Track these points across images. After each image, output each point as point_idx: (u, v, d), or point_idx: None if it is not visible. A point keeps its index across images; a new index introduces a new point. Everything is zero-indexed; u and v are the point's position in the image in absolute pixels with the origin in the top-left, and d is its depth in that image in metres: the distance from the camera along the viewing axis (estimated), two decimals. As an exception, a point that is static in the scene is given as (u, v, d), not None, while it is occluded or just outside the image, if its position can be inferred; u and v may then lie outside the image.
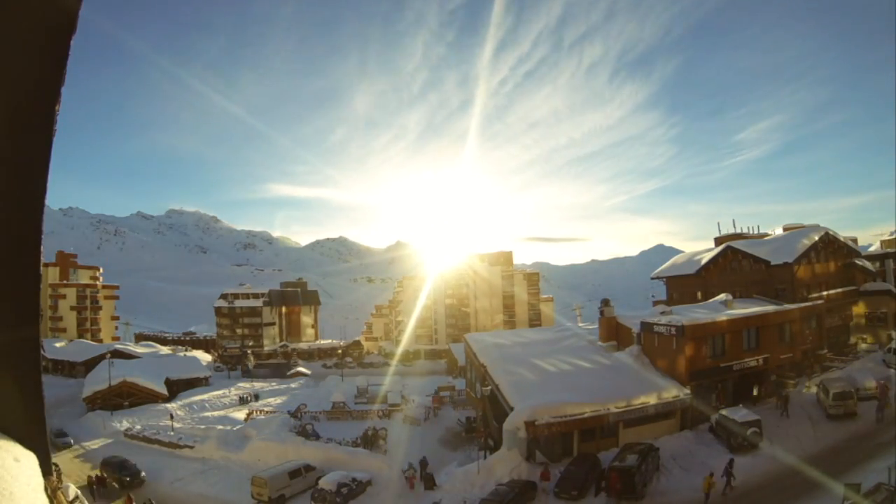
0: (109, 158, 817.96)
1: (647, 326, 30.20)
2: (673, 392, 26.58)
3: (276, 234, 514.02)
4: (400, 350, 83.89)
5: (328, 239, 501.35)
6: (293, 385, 61.89)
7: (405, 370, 72.28)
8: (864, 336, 40.42)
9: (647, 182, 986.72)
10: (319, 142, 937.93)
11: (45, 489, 2.15)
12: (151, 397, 49.41)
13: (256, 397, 52.81)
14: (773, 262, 37.73)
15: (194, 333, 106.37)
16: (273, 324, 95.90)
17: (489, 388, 29.29)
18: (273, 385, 61.06)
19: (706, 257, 45.60)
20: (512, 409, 25.57)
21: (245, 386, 59.15)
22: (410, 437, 35.08)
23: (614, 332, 33.28)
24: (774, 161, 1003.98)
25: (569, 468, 22.59)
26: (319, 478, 25.81)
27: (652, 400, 25.93)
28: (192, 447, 33.68)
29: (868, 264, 42.74)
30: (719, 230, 51.58)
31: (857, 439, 22.94)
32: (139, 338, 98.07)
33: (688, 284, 46.55)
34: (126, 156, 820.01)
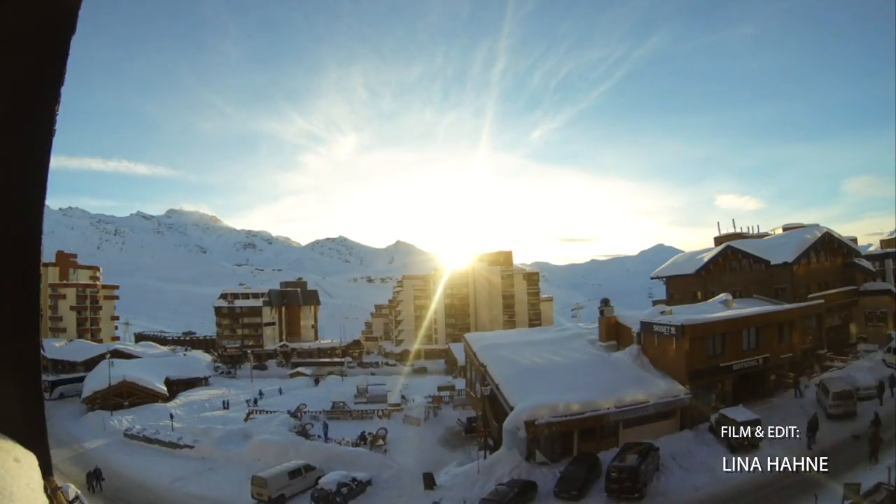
0: (108, 154, 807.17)
1: (646, 326, 30.19)
2: (673, 391, 26.58)
3: (274, 233, 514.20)
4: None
5: (328, 239, 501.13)
6: (293, 385, 62.02)
7: (406, 370, 72.33)
8: (864, 336, 40.42)
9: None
10: (319, 137, 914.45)
11: (45, 489, 2.14)
12: (151, 397, 49.42)
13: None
14: (772, 262, 37.73)
15: (194, 333, 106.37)
16: (273, 324, 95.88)
17: (489, 387, 29.31)
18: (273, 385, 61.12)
19: (706, 257, 45.63)
20: (512, 408, 25.57)
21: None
22: (410, 437, 35.13)
23: (614, 332, 33.28)
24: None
25: (569, 468, 22.59)
26: (319, 478, 25.81)
27: (652, 399, 25.93)
28: (192, 447, 33.69)
29: (868, 264, 42.75)
30: (719, 230, 51.85)
31: (857, 439, 22.93)
32: (139, 338, 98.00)
33: (688, 284, 46.54)
34: (124, 153, 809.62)
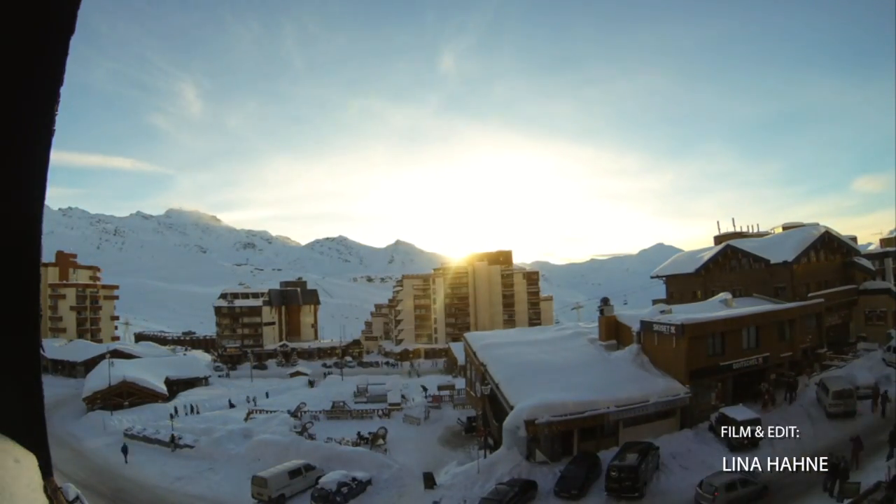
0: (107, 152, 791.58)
1: (646, 325, 30.19)
2: (672, 391, 26.58)
3: (274, 233, 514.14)
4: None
5: (328, 238, 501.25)
6: (293, 384, 62.05)
7: (406, 369, 72.36)
8: (864, 334, 40.41)
9: None
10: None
11: (45, 489, 2.15)
12: (151, 397, 49.44)
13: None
14: (772, 261, 37.73)
15: (194, 333, 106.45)
16: (273, 323, 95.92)
17: (489, 387, 29.32)
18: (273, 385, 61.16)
19: (706, 256, 45.66)
20: (512, 407, 25.58)
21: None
22: (410, 437, 35.12)
23: (614, 331, 33.27)
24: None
25: (569, 467, 22.60)
26: (319, 477, 25.82)
27: (652, 399, 25.93)
28: (192, 447, 33.69)
29: (867, 263, 42.74)
30: (719, 229, 51.92)
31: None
32: (139, 338, 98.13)
33: (687, 283, 46.55)
34: (123, 148, 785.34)
